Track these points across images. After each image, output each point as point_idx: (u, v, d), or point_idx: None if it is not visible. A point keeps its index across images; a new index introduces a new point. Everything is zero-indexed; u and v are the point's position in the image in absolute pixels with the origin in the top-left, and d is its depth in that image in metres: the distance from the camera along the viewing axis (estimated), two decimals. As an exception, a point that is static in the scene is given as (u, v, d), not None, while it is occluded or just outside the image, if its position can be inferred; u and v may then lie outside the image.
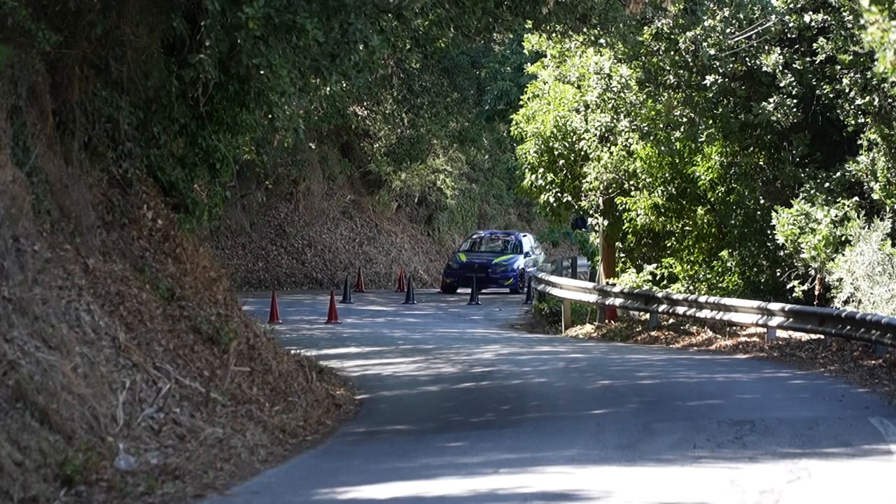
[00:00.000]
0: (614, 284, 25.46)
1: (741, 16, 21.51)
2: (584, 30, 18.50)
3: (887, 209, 19.57)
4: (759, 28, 21.34)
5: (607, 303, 24.84)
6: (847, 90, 20.54)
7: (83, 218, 14.99)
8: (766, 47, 21.49)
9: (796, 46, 21.80)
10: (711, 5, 21.23)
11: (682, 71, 22.59)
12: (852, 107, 20.39)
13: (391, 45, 18.86)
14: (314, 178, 31.82)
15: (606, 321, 25.38)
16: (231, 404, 15.82)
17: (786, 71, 21.31)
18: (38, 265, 13.94)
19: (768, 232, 21.46)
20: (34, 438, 12.30)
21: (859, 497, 11.32)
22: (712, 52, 21.47)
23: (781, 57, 21.41)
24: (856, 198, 20.77)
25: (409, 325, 28.28)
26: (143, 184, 17.59)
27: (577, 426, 16.19)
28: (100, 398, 13.66)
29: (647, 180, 24.18)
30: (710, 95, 22.71)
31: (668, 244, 24.51)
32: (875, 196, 20.36)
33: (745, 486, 11.73)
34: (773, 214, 21.09)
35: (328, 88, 19.06)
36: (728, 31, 21.64)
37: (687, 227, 24.38)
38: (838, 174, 21.07)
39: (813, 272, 20.57)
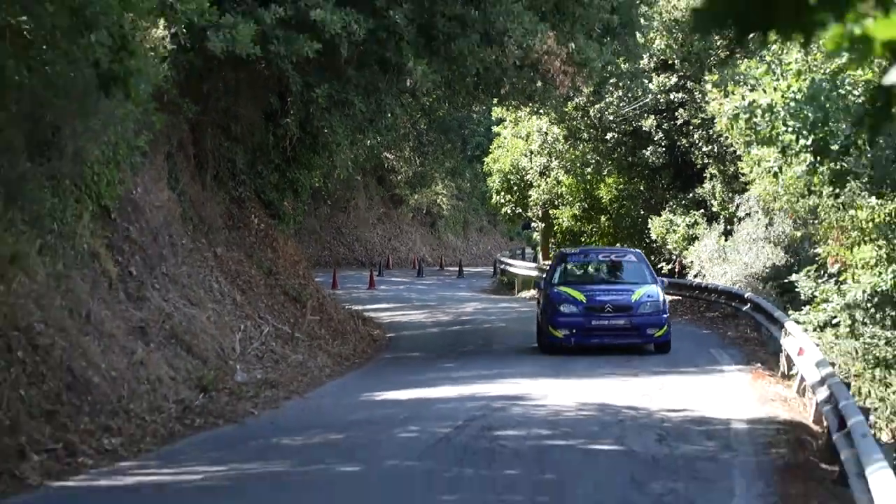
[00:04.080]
0: (547, 263, 24.97)
1: (630, 95, 20.87)
2: (530, 104, 17.81)
3: (721, 217, 19.16)
4: (641, 102, 20.91)
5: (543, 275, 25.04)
6: (697, 142, 20.29)
7: (213, 223, 15.73)
8: (645, 115, 21.14)
9: (664, 114, 21.46)
10: (610, 87, 20.55)
11: (591, 130, 22.38)
12: (700, 152, 20.11)
13: (408, 114, 18.04)
14: (360, 198, 32.36)
15: (543, 287, 25.36)
16: (308, 340, 15.96)
17: (658, 130, 20.99)
18: (184, 252, 14.38)
19: (646, 232, 21.02)
20: (182, 362, 12.24)
21: (699, 395, 11.54)
22: (611, 118, 21.24)
23: (655, 121, 21.25)
24: (701, 210, 20.57)
25: (420, 291, 29.19)
26: (251, 202, 18.17)
27: (523, 354, 15.74)
28: (224, 336, 14.14)
29: (569, 199, 23.83)
30: (610, 145, 22.33)
31: (583, 239, 24.02)
32: (714, 209, 19.97)
33: (631, 391, 11.88)
34: (649, 221, 20.88)
35: (368, 141, 18.26)
36: (621, 104, 21.09)
37: (594, 229, 24.07)
38: (690, 195, 21.17)
39: (675, 257, 20.50)
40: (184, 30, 11.46)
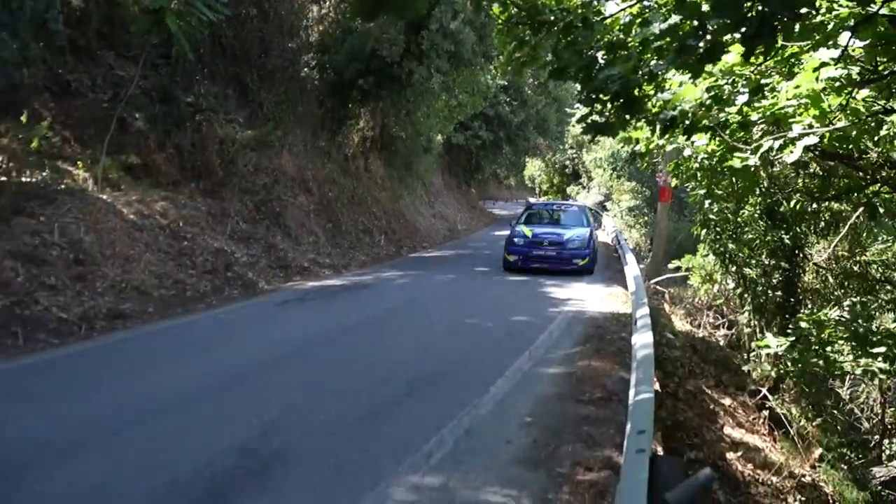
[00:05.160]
0: (542, 198, 50.88)
1: (561, 154, 49.15)
2: (535, 157, 48.36)
3: (587, 188, 45.26)
4: (566, 157, 50.63)
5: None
6: (580, 168, 47.33)
7: (452, 187, 35.00)
8: (566, 161, 49.31)
9: (572, 160, 49.23)
10: (557, 153, 48.09)
11: (552, 165, 52.76)
12: (582, 169, 46.22)
13: (505, 160, 39.31)
14: (492, 182, 56.08)
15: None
16: (478, 218, 33.89)
17: (570, 165, 49.94)
18: (444, 194, 30.29)
19: (567, 193, 49.70)
20: (443, 223, 26.83)
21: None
22: (556, 163, 51.19)
23: (570, 163, 49.90)
24: (581, 185, 47.05)
25: (507, 207, 48.88)
26: (463, 181, 37.39)
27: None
28: (454, 216, 29.04)
29: (546, 182, 55.12)
30: (557, 168, 51.99)
31: (548, 194, 53.42)
32: (584, 185, 46.03)
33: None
34: (567, 189, 50.48)
35: (494, 166, 40.20)
36: (561, 158, 50.04)
37: (554, 190, 52.58)
38: (578, 182, 49.92)
39: (573, 199, 44.45)
40: (445, 134, 28.14)
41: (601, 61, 4.66)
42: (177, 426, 5.19)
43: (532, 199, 53.75)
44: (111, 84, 12.49)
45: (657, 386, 6.65)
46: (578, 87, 4.83)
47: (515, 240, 15.54)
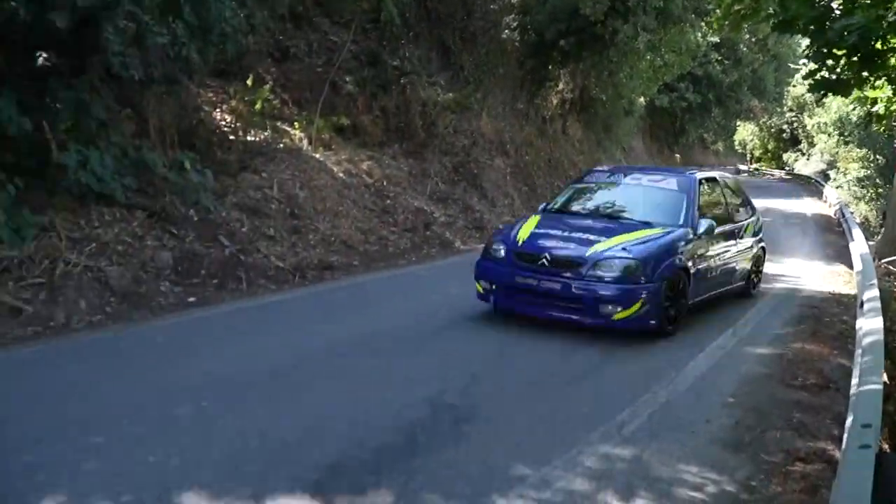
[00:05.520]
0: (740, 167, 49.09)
1: (777, 117, 49.68)
2: (747, 120, 47.92)
3: (807, 155, 45.17)
4: (781, 122, 48.80)
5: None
6: (800, 132, 47.19)
7: (655, 152, 33.02)
8: (784, 126, 50.38)
9: (791, 125, 48.82)
10: (774, 115, 47.71)
11: (765, 128, 53.71)
12: (803, 133, 46.22)
13: (714, 125, 39.39)
14: (697, 146, 51.57)
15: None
16: None
17: (786, 130, 50.16)
18: (642, 160, 28.19)
19: (782, 158, 51.21)
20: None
21: (797, 205, 19.19)
22: (772, 127, 52.61)
23: (787, 127, 49.65)
24: (798, 152, 48.52)
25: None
26: (666, 146, 35.44)
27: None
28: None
29: (757, 148, 57.67)
30: (773, 132, 53.58)
31: (760, 161, 56.28)
32: (803, 151, 47.69)
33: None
34: (783, 155, 50.37)
35: (699, 131, 39.08)
36: (776, 121, 50.64)
37: (768, 156, 57.56)
38: (797, 147, 48.53)
39: (789, 167, 47.56)
40: (647, 96, 26.16)
41: (836, 11, 4.26)
42: (375, 370, 5.45)
43: (741, 167, 49.61)
44: (325, 49, 13.38)
45: (886, 377, 6.06)
46: (806, 41, 4.47)
47: (493, 250, 7.34)
